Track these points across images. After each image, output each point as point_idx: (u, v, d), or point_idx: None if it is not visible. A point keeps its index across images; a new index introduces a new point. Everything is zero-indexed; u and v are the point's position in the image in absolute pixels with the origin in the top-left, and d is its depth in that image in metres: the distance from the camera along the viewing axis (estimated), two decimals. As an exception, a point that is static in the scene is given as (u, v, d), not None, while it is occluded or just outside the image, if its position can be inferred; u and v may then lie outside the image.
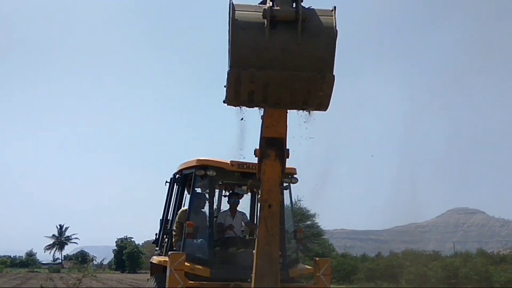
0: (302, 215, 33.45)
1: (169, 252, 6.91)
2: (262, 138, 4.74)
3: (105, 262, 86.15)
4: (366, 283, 35.38)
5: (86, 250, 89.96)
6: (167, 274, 6.54)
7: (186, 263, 6.64)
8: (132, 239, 75.76)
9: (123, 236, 75.95)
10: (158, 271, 7.50)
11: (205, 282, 6.70)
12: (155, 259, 7.90)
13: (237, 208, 8.14)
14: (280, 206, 5.43)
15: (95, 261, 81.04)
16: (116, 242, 74.83)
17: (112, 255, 78.04)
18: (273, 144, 4.70)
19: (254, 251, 7.40)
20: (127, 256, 69.30)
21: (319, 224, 36.47)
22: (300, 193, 33.75)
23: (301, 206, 33.58)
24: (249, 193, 8.72)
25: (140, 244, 75.33)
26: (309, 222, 34.79)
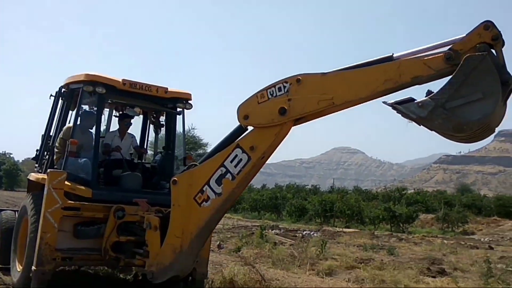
0: (194, 143, 33.46)
1: (49, 170, 6.51)
2: None
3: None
4: (249, 213, 36.98)
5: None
6: (45, 192, 6.19)
7: (66, 182, 6.32)
8: (11, 155, 71.79)
9: (1, 151, 71.63)
10: (36, 189, 7.07)
11: (86, 203, 6.44)
12: (33, 176, 7.42)
13: (128, 131, 7.86)
14: None
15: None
16: (-8, 157, 70.35)
17: (-13, 170, 73.31)
18: None
19: (140, 174, 7.30)
20: (4, 172, 65.63)
21: (210, 153, 36.72)
22: (194, 122, 33.81)
23: (194, 134, 33.57)
24: (141, 116, 8.45)
25: (20, 161, 71.62)
26: (200, 151, 34.94)
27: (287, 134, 4.94)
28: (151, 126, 8.38)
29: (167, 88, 7.23)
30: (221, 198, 5.10)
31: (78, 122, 7.12)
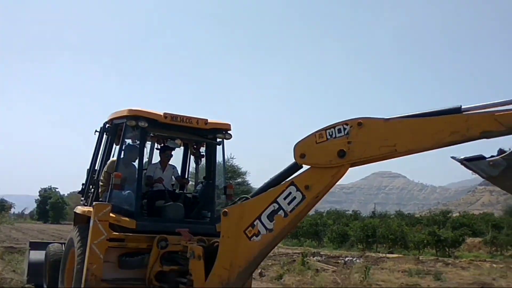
0: (233, 172, 33.70)
1: (94, 203, 6.73)
2: None
3: (27, 212, 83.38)
4: (290, 240, 36.67)
5: (6, 199, 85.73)
6: (91, 224, 6.39)
7: (111, 214, 6.51)
8: (57, 189, 73.87)
9: (47, 186, 73.73)
10: (83, 221, 7.30)
11: (130, 234, 6.61)
12: (79, 209, 7.68)
13: (169, 162, 8.05)
14: None
15: (14, 208, 78.30)
16: (39, 191, 72.58)
17: (35, 205, 75.65)
18: None
19: (182, 205, 7.44)
20: (51, 206, 67.47)
21: (249, 182, 36.99)
22: (233, 151, 34.11)
23: (233, 163, 33.85)
24: (182, 147, 8.64)
25: (66, 194, 73.53)
26: (240, 180, 35.13)
27: (343, 175, 4.85)
28: (192, 156, 8.56)
29: (207, 120, 7.41)
30: (272, 234, 5.04)
31: (122, 156, 7.35)
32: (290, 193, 4.94)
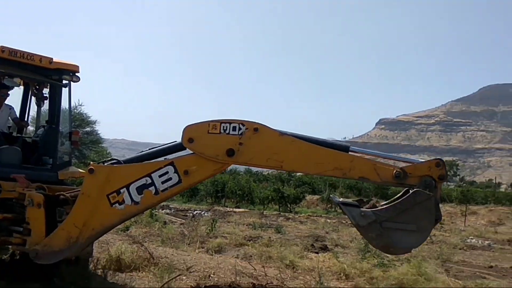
0: (82, 120, 31.87)
1: None
2: None
3: None
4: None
5: None
6: None
7: None
8: None
9: None
10: None
11: None
12: None
13: (6, 102, 7.30)
14: None
15: None
16: None
17: None
18: None
19: (19, 149, 6.83)
20: None
21: (99, 132, 35.40)
22: (82, 98, 32.19)
23: (82, 111, 31.97)
24: (22, 87, 7.88)
25: None
26: (88, 129, 33.40)
27: (223, 170, 4.86)
28: (33, 98, 7.85)
29: (52, 58, 6.81)
30: (136, 207, 4.86)
31: None
32: (167, 172, 4.79)
